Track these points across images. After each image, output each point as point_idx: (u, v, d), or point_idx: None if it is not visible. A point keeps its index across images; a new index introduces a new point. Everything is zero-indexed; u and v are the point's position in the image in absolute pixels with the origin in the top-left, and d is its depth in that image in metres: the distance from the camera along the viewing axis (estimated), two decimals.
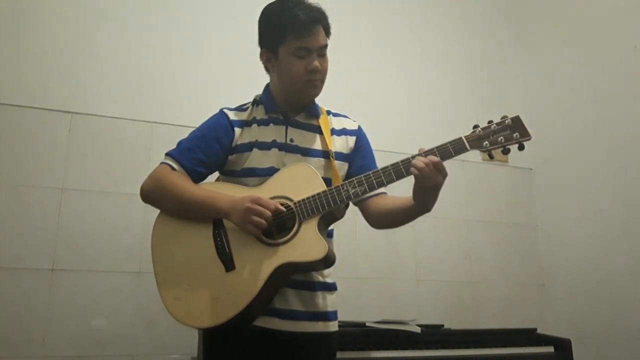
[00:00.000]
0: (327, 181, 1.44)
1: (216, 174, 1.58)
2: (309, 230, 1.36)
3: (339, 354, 1.57)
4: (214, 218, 1.42)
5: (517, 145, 1.33)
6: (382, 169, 1.38)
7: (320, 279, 1.49)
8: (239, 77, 2.28)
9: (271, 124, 1.53)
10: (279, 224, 1.38)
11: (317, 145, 1.54)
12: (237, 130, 1.51)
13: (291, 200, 1.40)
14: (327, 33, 1.51)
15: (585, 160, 2.68)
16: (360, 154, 1.59)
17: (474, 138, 1.33)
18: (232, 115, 1.54)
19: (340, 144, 1.57)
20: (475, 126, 1.35)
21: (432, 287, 2.64)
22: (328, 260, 1.36)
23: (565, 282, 2.74)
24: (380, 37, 2.89)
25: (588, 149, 2.67)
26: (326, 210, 1.38)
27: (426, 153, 1.32)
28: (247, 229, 1.36)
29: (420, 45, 2.97)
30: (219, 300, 1.35)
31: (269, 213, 1.34)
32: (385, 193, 1.54)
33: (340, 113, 1.66)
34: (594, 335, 2.47)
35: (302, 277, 1.45)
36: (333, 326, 1.51)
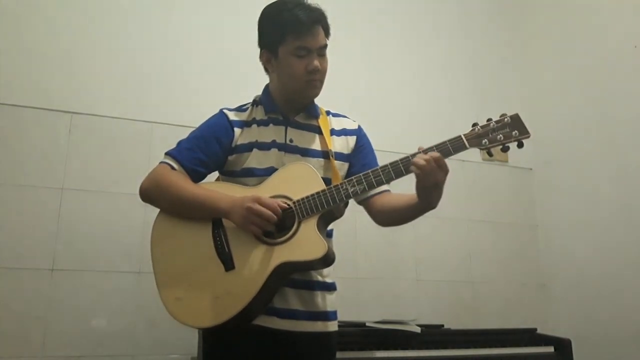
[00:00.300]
0: (327, 181, 1.44)
1: (216, 174, 1.58)
2: (308, 229, 1.37)
3: (339, 354, 1.57)
4: (213, 217, 1.42)
5: (516, 143, 1.33)
6: (381, 167, 1.38)
7: (320, 278, 1.49)
8: (238, 78, 2.28)
9: (271, 125, 1.53)
10: (278, 223, 1.37)
11: (317, 145, 1.54)
12: (236, 130, 1.52)
13: (290, 199, 1.40)
14: (327, 33, 1.51)
15: (585, 160, 2.68)
16: (361, 153, 1.59)
17: (473, 136, 1.33)
18: (231, 116, 1.54)
19: (340, 144, 1.57)
20: (474, 124, 1.35)
21: (432, 287, 2.64)
22: (327, 260, 1.36)
23: (565, 282, 2.74)
24: (380, 37, 2.89)
25: (588, 149, 2.67)
26: (325, 209, 1.38)
27: (425, 151, 1.32)
28: (249, 229, 1.36)
29: (420, 45, 2.97)
30: (218, 300, 1.35)
31: (273, 216, 1.33)
32: (388, 190, 1.54)
33: (340, 113, 1.66)
34: (594, 335, 2.47)
35: (301, 276, 1.45)
36: (333, 326, 1.51)
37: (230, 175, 1.52)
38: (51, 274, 2.08)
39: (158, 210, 1.48)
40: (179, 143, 1.52)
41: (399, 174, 1.36)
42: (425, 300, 2.60)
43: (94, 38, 2.35)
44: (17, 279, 2.03)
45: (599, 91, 2.65)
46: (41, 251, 2.08)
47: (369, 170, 1.38)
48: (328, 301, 1.50)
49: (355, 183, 1.38)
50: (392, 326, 2.01)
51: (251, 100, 1.60)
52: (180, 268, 1.41)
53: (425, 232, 2.67)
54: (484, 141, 1.32)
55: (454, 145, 1.33)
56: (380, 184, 1.38)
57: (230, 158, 1.51)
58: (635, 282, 2.37)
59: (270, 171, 1.46)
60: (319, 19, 1.48)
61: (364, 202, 1.56)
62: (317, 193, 1.38)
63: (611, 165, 2.55)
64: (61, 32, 2.30)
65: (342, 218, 1.51)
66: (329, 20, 1.52)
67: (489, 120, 1.34)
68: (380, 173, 1.37)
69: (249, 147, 1.50)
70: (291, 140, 1.52)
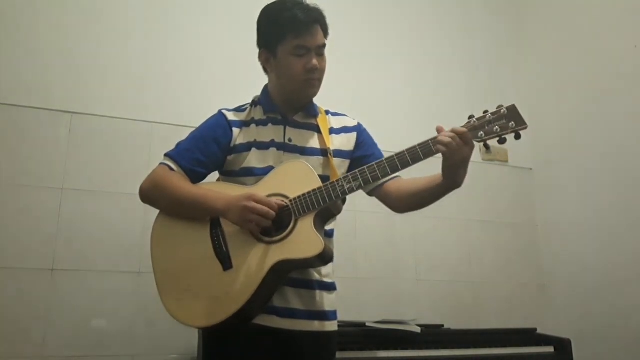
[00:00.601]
0: (326, 179, 1.44)
1: (216, 175, 1.58)
2: (305, 227, 1.37)
3: (339, 354, 1.58)
4: (211, 217, 1.42)
5: (513, 135, 1.29)
6: (376, 163, 1.37)
7: (318, 277, 1.49)
8: (238, 78, 2.28)
9: (269, 124, 1.53)
10: (276, 221, 1.37)
11: (315, 144, 1.54)
12: (235, 130, 1.52)
13: (287, 197, 1.40)
14: (325, 33, 1.52)
15: (585, 160, 2.68)
16: (363, 148, 1.59)
17: (469, 128, 1.31)
18: (230, 116, 1.55)
19: (340, 142, 1.58)
20: (471, 116, 1.33)
21: (432, 287, 2.64)
22: (325, 257, 1.36)
23: (565, 282, 2.74)
24: (380, 36, 2.89)
25: (588, 149, 2.67)
26: (322, 207, 1.38)
27: (420, 145, 1.32)
28: (246, 227, 1.36)
29: (420, 45, 2.97)
30: (217, 300, 1.35)
31: (269, 211, 1.34)
32: (399, 176, 1.52)
33: (340, 112, 1.66)
34: (594, 335, 2.47)
35: (300, 275, 1.45)
36: (333, 326, 1.51)
37: (229, 175, 1.52)
38: (51, 274, 2.08)
39: (158, 210, 1.49)
40: (178, 144, 1.53)
41: (395, 169, 1.35)
42: (425, 300, 2.60)
43: (94, 38, 2.35)
44: (17, 279, 2.03)
45: (598, 91, 2.64)
46: (41, 251, 2.08)
47: (365, 166, 1.38)
48: (328, 301, 1.50)
49: (351, 179, 1.38)
50: (392, 326, 2.01)
51: (250, 101, 1.61)
52: (180, 268, 1.41)
53: (425, 232, 2.67)
54: (480, 133, 1.30)
55: None
56: (376, 179, 1.38)
57: (229, 158, 1.51)
58: (635, 282, 2.37)
59: (269, 170, 1.47)
60: (317, 19, 1.48)
61: (376, 191, 1.55)
62: (314, 190, 1.38)
63: (611, 165, 2.54)
64: (61, 32, 2.30)
65: (342, 218, 1.51)
66: (328, 20, 1.52)
67: (486, 112, 1.32)
68: (376, 168, 1.36)
69: (247, 147, 1.50)
70: (290, 140, 1.52)
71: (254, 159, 1.48)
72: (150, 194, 1.47)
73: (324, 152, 1.53)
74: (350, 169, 1.55)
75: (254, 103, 1.59)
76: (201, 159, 1.49)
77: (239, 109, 1.59)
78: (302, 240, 1.36)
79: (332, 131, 1.59)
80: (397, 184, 1.52)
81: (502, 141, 1.31)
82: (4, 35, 2.22)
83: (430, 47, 2.99)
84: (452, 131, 1.29)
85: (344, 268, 2.14)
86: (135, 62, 2.38)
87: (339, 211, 1.46)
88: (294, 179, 1.42)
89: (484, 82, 3.04)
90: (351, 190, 1.38)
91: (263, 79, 1.62)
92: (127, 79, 2.35)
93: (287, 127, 1.54)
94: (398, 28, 2.94)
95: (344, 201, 1.47)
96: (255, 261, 1.36)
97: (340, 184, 1.38)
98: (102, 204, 2.19)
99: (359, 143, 1.60)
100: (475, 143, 1.31)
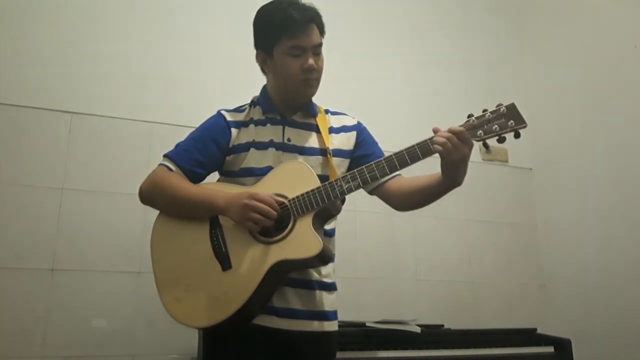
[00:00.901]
0: (325, 178, 1.44)
1: (216, 175, 1.58)
2: (304, 227, 1.36)
3: (339, 354, 1.57)
4: (210, 216, 1.42)
5: (512, 133, 1.27)
6: (375, 162, 1.37)
7: (318, 277, 1.49)
8: (238, 78, 2.27)
9: (268, 124, 1.54)
10: (275, 221, 1.37)
11: (314, 143, 1.54)
12: (234, 130, 1.52)
13: (286, 197, 1.40)
14: (322, 32, 1.51)
15: (585, 160, 2.68)
16: (363, 147, 1.59)
17: (467, 127, 1.30)
18: (229, 116, 1.55)
19: (340, 141, 1.57)
20: (470, 115, 1.32)
21: (432, 287, 2.64)
22: (324, 257, 1.36)
23: (565, 282, 2.74)
24: (380, 36, 2.89)
25: (588, 149, 2.67)
26: (320, 207, 1.37)
27: (419, 145, 1.32)
28: (246, 225, 1.36)
29: (420, 45, 2.97)
30: (216, 300, 1.35)
31: (271, 210, 1.33)
32: (400, 175, 1.52)
33: (339, 111, 1.66)
34: (594, 335, 2.47)
35: (299, 275, 1.45)
36: (333, 326, 1.51)
37: (229, 175, 1.53)
38: (51, 274, 2.08)
39: (158, 211, 1.49)
40: (177, 145, 1.53)
41: (393, 169, 1.35)
42: (425, 300, 2.59)
43: (94, 38, 2.35)
44: (17, 279, 2.03)
45: (599, 91, 2.64)
46: (41, 251, 2.08)
47: (363, 166, 1.38)
48: (328, 301, 1.50)
49: (350, 179, 1.38)
50: (392, 326, 2.01)
51: (249, 101, 1.61)
52: (180, 268, 1.41)
53: (425, 232, 2.67)
54: (479, 132, 1.29)
55: None
56: (374, 179, 1.37)
57: (228, 158, 1.51)
58: (635, 282, 2.37)
59: (267, 170, 1.47)
60: (312, 18, 1.48)
61: (377, 190, 1.54)
62: (312, 190, 1.38)
63: (611, 165, 2.54)
64: (61, 32, 2.30)
65: (342, 218, 1.51)
66: (326, 20, 1.52)
67: (485, 110, 1.30)
68: (375, 168, 1.36)
69: (246, 147, 1.50)
70: (289, 140, 1.52)
71: (252, 159, 1.48)
72: (150, 194, 1.47)
73: (323, 151, 1.53)
74: (350, 168, 1.55)
75: (253, 103, 1.60)
76: (200, 159, 1.49)
77: (237, 110, 1.59)
78: (301, 240, 1.36)
79: (332, 130, 1.59)
80: (397, 182, 1.52)
81: (501, 140, 1.29)
82: (4, 35, 2.22)
83: (430, 47, 2.99)
84: (450, 130, 1.28)
85: (344, 268, 2.14)
86: (135, 62, 2.38)
87: (338, 211, 1.46)
88: (292, 179, 1.42)
89: (484, 82, 3.03)
90: (350, 190, 1.38)
91: (263, 79, 1.62)
92: (127, 79, 2.35)
93: (286, 127, 1.54)
94: (398, 28, 2.94)
95: (343, 201, 1.47)
96: (254, 261, 1.36)
97: (338, 184, 1.38)
98: (102, 204, 2.19)
99: (358, 142, 1.60)
100: (474, 142, 1.30)
